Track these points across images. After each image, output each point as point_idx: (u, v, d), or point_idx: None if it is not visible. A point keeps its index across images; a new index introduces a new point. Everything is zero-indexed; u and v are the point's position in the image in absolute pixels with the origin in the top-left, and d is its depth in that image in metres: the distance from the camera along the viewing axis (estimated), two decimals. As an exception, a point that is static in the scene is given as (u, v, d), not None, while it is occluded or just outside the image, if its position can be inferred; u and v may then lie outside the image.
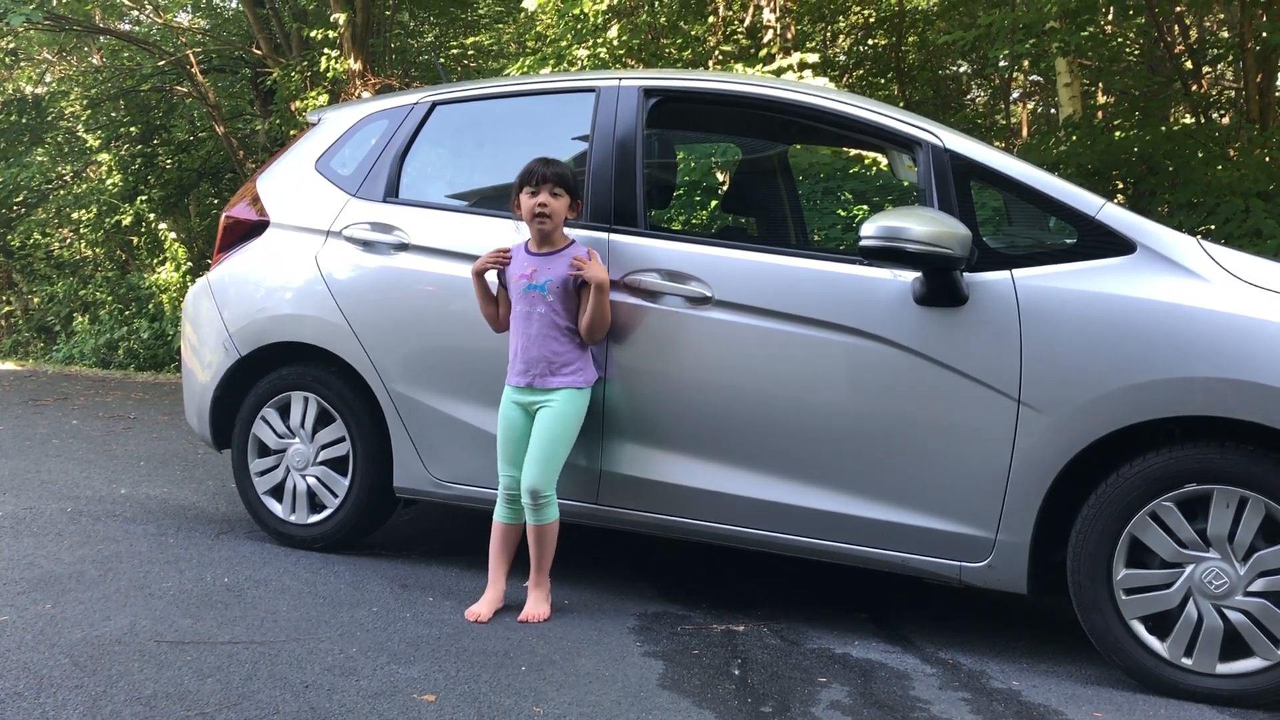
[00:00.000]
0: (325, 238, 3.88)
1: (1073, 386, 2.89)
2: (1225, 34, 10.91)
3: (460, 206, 3.98)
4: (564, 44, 9.54)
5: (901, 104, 11.39)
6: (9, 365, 12.20)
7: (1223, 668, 2.79)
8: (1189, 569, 2.81)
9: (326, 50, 11.55)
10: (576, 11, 8.89)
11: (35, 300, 15.81)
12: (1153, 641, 2.86)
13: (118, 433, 6.70)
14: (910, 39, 12.84)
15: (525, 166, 3.29)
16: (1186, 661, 2.82)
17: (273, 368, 3.97)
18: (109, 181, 15.40)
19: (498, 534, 3.35)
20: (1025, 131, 14.52)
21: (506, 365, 3.38)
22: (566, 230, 3.37)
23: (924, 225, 2.90)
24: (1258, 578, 2.75)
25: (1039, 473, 2.93)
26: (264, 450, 3.98)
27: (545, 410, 3.26)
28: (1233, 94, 10.41)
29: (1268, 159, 7.32)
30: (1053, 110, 13.84)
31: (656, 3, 10.11)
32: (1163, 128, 8.19)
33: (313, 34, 11.71)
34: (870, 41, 13.15)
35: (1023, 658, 3.16)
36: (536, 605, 3.26)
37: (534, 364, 3.27)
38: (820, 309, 3.15)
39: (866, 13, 12.43)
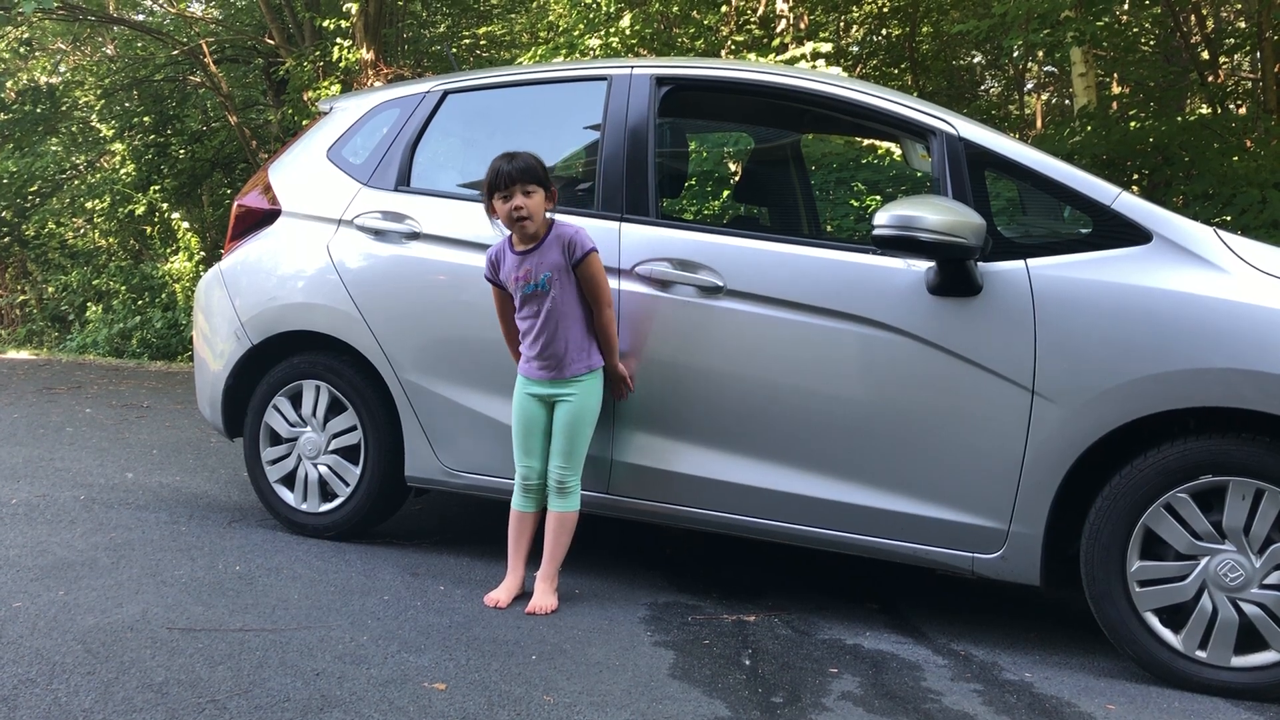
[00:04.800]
0: (337, 226, 3.88)
1: (1087, 377, 2.87)
2: (1242, 24, 10.82)
3: (472, 195, 3.95)
4: (576, 33, 9.52)
5: (915, 94, 11.32)
6: (24, 354, 12.26)
7: (1238, 661, 2.78)
8: (1204, 561, 2.79)
9: (339, 40, 11.55)
10: (589, 1, 8.86)
11: (49, 289, 15.86)
12: (1167, 634, 2.84)
13: (131, 421, 6.73)
14: (924, 29, 12.78)
15: (490, 167, 3.21)
16: (1201, 654, 2.80)
17: (284, 356, 3.97)
18: (122, 171, 15.44)
19: (515, 522, 3.36)
20: (1039, 122, 14.43)
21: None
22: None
23: (938, 214, 2.88)
24: (1273, 570, 2.73)
25: (1053, 464, 2.91)
26: (276, 439, 3.98)
27: (566, 403, 3.26)
28: (1250, 84, 10.32)
29: (1285, 149, 7.27)
30: (1067, 101, 13.75)
31: (669, -8, 10.08)
32: (1179, 118, 8.16)
33: (325, 24, 11.71)
34: (884, 31, 13.09)
35: (1035, 649, 3.15)
36: (544, 598, 3.25)
37: (553, 358, 3.25)
38: (833, 299, 3.13)
39: (880, 2, 12.37)
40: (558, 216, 3.33)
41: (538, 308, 3.24)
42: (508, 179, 3.17)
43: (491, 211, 3.27)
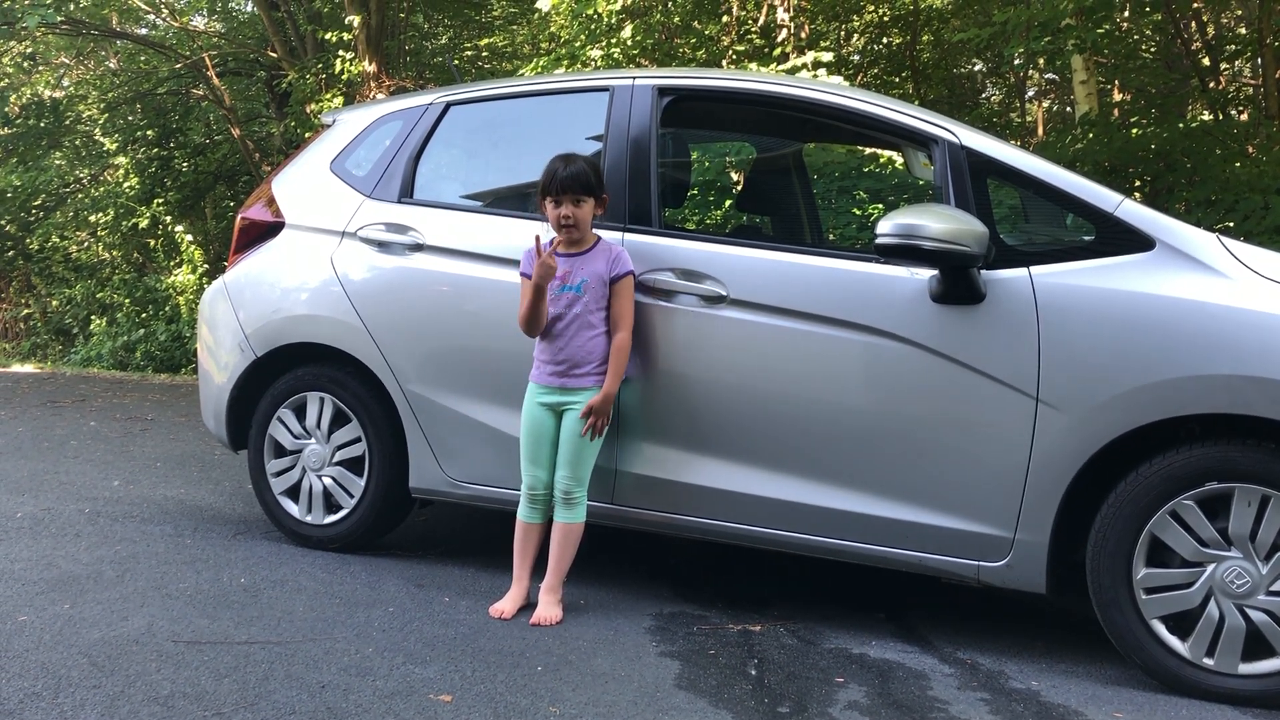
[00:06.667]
0: (340, 239, 3.89)
1: (1091, 384, 2.87)
2: (1243, 30, 10.84)
3: (475, 207, 3.98)
4: (578, 44, 9.54)
5: (916, 102, 11.33)
6: (28, 368, 12.28)
7: (1245, 668, 2.77)
8: (1210, 568, 2.78)
9: (341, 53, 11.59)
10: (590, 12, 8.87)
11: (53, 303, 15.91)
12: (1174, 641, 2.83)
13: (135, 434, 6.73)
14: (925, 37, 12.79)
15: (546, 168, 3.25)
16: (1208, 661, 2.80)
17: (289, 368, 3.97)
18: (126, 184, 15.49)
19: (520, 533, 3.36)
20: (1041, 130, 14.44)
21: (521, 365, 3.39)
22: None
23: (941, 223, 2.88)
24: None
25: (1058, 471, 2.91)
26: (280, 451, 3.98)
27: (573, 411, 3.26)
28: (1251, 90, 10.33)
29: (1287, 155, 7.27)
30: (1068, 108, 13.76)
31: (670, 2, 10.10)
32: (1180, 124, 8.15)
33: (327, 36, 11.75)
34: (885, 40, 13.11)
35: (1042, 658, 3.14)
36: (549, 609, 3.25)
37: (567, 364, 3.26)
38: (836, 307, 3.14)
39: (881, 11, 12.39)
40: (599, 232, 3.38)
41: (565, 309, 3.26)
42: (561, 186, 3.20)
43: (542, 208, 3.31)
